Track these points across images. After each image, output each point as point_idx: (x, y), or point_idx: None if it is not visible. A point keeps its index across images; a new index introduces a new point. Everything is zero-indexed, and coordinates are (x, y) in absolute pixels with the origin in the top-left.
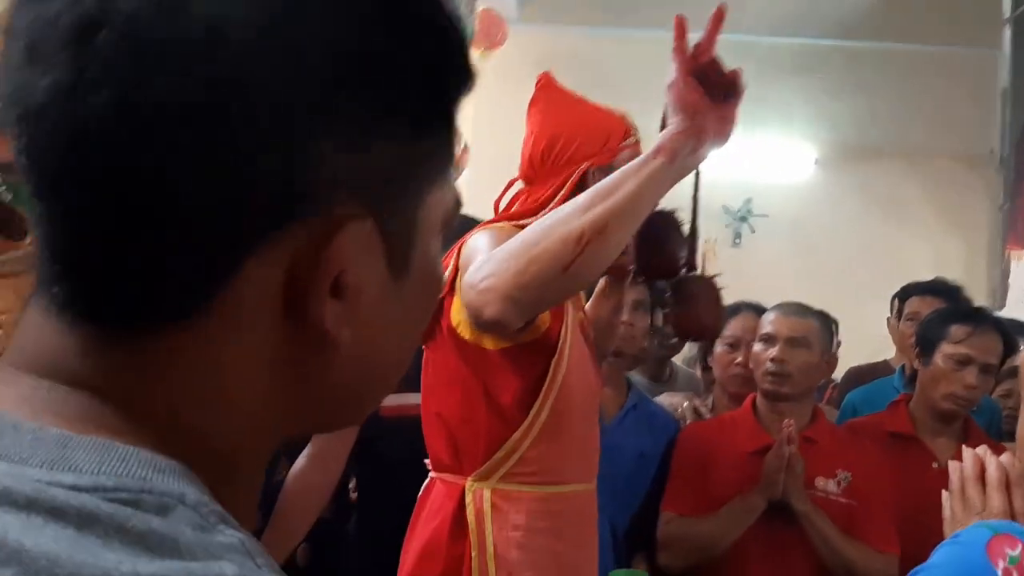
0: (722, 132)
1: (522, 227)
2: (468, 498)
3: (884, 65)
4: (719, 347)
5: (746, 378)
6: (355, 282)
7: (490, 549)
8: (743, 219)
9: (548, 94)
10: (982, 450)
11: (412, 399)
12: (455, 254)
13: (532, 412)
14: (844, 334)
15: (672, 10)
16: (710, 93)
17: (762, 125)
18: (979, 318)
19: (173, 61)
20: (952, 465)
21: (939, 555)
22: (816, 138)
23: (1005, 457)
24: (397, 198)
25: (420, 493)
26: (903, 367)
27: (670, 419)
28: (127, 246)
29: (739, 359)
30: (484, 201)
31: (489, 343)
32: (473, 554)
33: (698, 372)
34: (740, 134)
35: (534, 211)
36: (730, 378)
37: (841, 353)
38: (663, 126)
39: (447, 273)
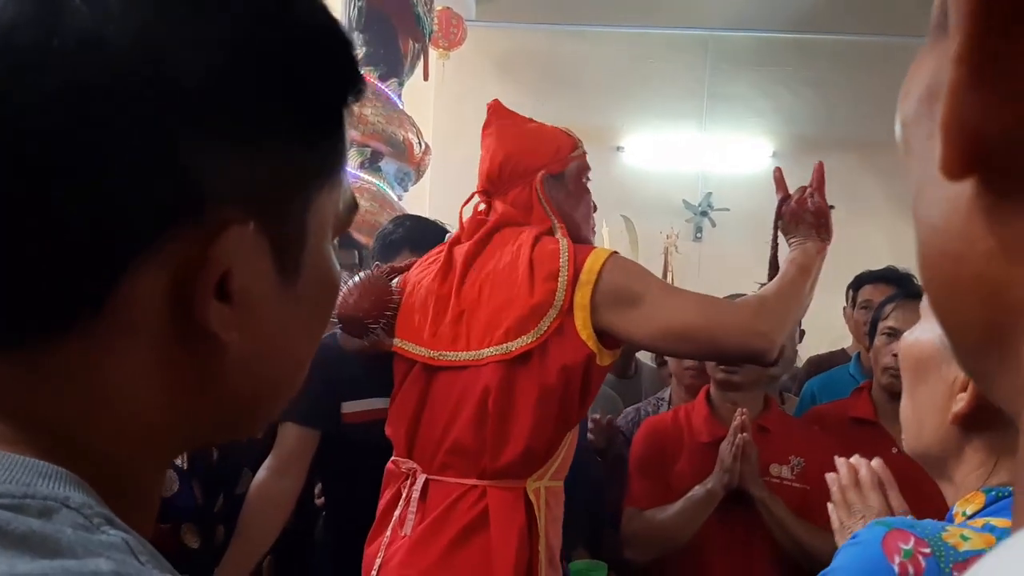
0: None
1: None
2: (532, 498)
3: (837, 57)
4: None
5: (700, 370)
6: (241, 285)
7: (544, 540)
8: (704, 213)
9: (499, 118)
10: (855, 459)
11: (374, 404)
12: (568, 273)
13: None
14: (804, 323)
15: (625, 8)
16: None
17: (720, 119)
18: (905, 293)
19: (46, 71)
20: (829, 477)
21: (840, 558)
22: (773, 131)
23: (875, 462)
24: (283, 201)
25: (456, 502)
26: (859, 354)
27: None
28: (4, 258)
29: None
30: (448, 198)
31: (607, 358)
32: (539, 547)
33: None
34: (698, 129)
35: (516, 217)
36: (684, 371)
37: (802, 343)
38: (777, 221)
39: (560, 293)
